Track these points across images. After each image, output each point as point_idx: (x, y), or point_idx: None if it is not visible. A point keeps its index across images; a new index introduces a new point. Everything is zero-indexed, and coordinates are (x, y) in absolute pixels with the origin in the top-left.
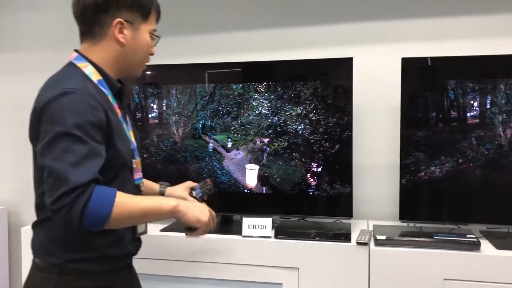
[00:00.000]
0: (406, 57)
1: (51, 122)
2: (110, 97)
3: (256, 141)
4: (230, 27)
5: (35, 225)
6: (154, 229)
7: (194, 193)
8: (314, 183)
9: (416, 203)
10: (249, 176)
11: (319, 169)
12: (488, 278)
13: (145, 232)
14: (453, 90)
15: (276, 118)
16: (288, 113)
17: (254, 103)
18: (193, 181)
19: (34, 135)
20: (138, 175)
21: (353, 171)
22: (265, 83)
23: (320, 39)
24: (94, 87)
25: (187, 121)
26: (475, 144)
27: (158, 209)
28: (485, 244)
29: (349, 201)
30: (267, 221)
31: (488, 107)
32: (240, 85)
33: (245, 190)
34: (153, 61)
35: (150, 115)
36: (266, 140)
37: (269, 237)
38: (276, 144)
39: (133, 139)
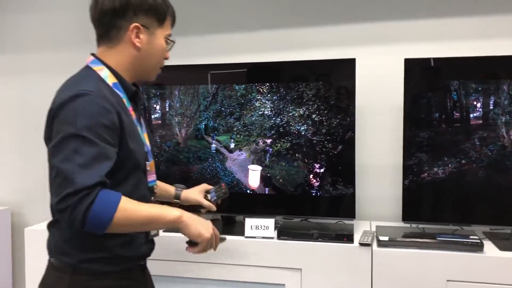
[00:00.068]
0: (409, 58)
1: (64, 122)
2: (125, 100)
3: (258, 142)
4: (232, 28)
5: (50, 225)
6: None
7: (209, 196)
8: (317, 184)
9: (419, 204)
10: (251, 177)
11: (322, 170)
12: (491, 279)
13: (157, 234)
14: (456, 91)
15: (279, 119)
16: (290, 114)
17: (257, 104)
18: (207, 183)
19: (48, 135)
20: (151, 177)
21: (356, 172)
22: (267, 84)
23: (323, 40)
24: (109, 90)
25: (190, 122)
26: (478, 145)
27: (161, 217)
28: (488, 245)
29: (351, 202)
30: (270, 222)
31: (491, 108)
32: (243, 86)
33: (248, 191)
34: None
35: (153, 116)
36: (268, 141)
37: (272, 238)
38: (279, 145)
39: (147, 142)
